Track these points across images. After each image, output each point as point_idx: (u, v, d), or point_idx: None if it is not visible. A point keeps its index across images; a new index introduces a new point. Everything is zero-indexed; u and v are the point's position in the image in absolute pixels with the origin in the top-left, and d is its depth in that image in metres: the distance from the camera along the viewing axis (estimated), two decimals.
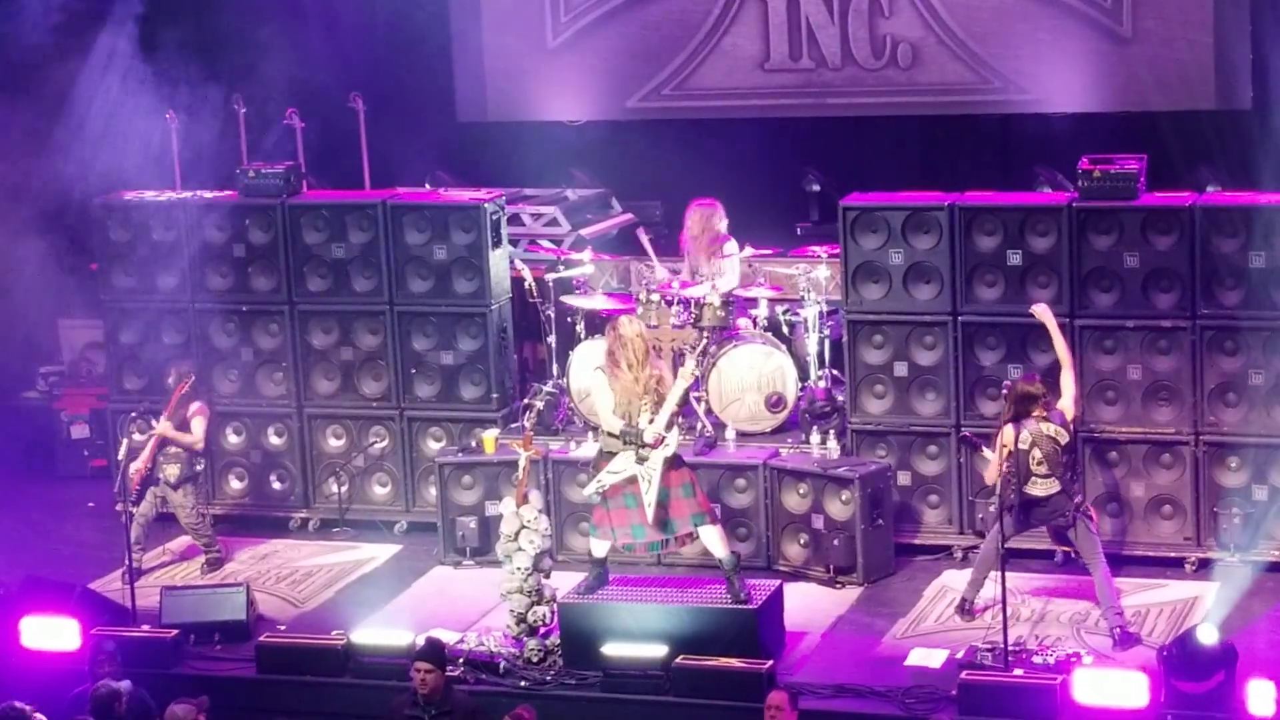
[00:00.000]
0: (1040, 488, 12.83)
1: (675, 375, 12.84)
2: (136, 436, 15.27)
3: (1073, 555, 13.29)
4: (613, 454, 12.79)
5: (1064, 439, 12.82)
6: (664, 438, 12.66)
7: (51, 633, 13.11)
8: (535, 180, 18.14)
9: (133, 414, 15.20)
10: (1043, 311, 13.35)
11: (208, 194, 15.84)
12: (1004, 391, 13.20)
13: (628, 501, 12.78)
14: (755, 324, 15.07)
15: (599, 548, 13.05)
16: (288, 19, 17.18)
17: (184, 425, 14.62)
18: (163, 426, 14.55)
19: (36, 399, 17.69)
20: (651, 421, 12.64)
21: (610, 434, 12.80)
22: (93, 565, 14.67)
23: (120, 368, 15.92)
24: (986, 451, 12.93)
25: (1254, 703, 11.33)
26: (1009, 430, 12.78)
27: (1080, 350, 13.89)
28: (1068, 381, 13.05)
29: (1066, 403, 12.98)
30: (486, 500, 14.56)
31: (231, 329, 15.67)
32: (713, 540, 12.89)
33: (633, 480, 12.72)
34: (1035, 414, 12.83)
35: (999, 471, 12.71)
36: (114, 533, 14.68)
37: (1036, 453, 12.77)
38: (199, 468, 14.74)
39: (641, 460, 12.68)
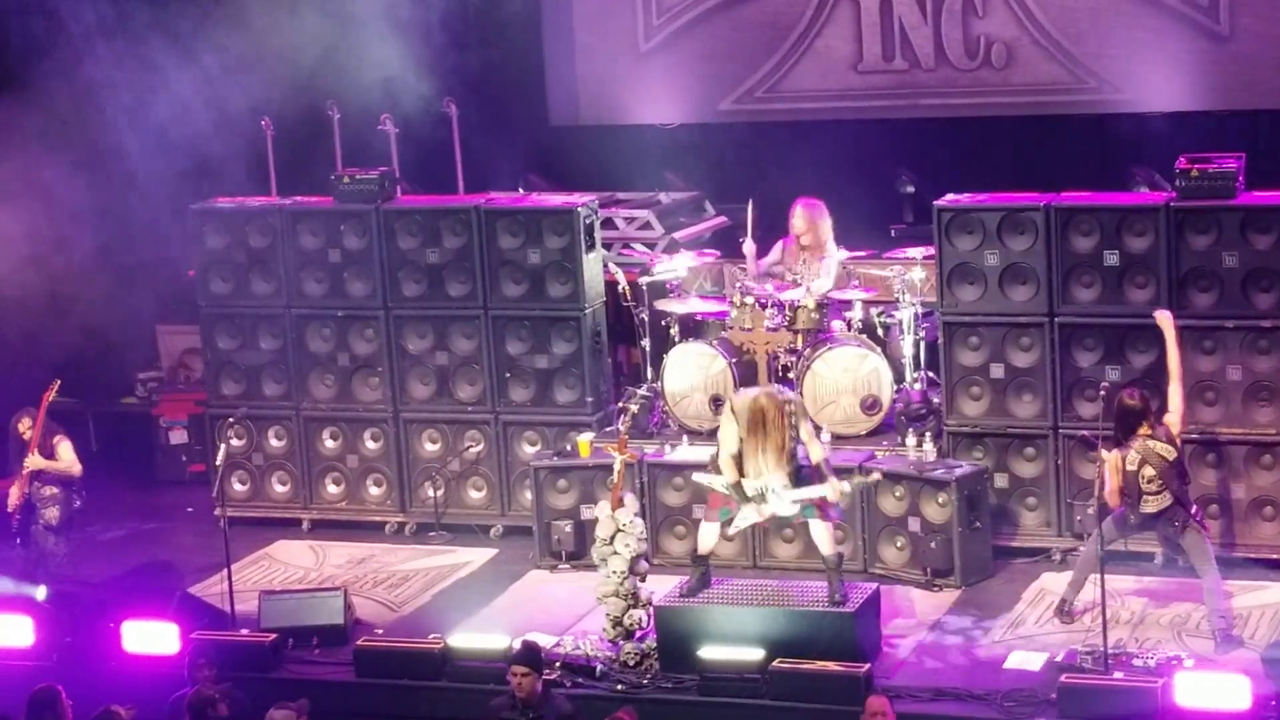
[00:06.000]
0: (1153, 504, 12.68)
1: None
2: (235, 442, 15.41)
3: (1180, 562, 13.17)
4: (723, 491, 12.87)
5: (1172, 455, 12.65)
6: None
7: (151, 637, 13.19)
8: (628, 184, 18.11)
9: (230, 419, 15.35)
10: (1165, 320, 13.14)
11: (303, 200, 15.93)
12: (1101, 393, 13.08)
13: None
14: (850, 326, 15.02)
15: (706, 538, 13.03)
16: (380, 24, 17.25)
17: (50, 454, 14.32)
18: (33, 460, 14.22)
19: (135, 405, 17.85)
20: (785, 486, 12.70)
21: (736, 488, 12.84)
22: (192, 570, 14.76)
23: (218, 373, 16.01)
24: (1104, 453, 12.69)
25: None
26: (1115, 454, 12.63)
27: (1179, 351, 13.76)
28: (1175, 394, 12.87)
29: (1173, 418, 12.80)
30: (582, 504, 14.56)
31: (327, 334, 15.74)
32: (821, 535, 12.86)
33: None
34: (1141, 431, 12.68)
35: (1117, 493, 12.60)
36: (213, 537, 14.76)
37: (1147, 470, 12.58)
38: (78, 504, 14.46)
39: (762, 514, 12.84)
